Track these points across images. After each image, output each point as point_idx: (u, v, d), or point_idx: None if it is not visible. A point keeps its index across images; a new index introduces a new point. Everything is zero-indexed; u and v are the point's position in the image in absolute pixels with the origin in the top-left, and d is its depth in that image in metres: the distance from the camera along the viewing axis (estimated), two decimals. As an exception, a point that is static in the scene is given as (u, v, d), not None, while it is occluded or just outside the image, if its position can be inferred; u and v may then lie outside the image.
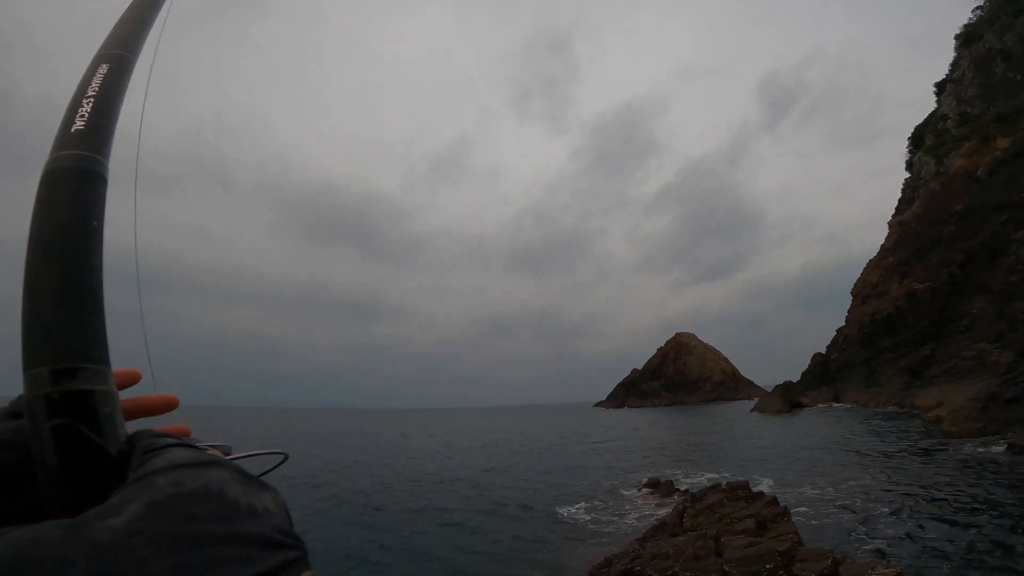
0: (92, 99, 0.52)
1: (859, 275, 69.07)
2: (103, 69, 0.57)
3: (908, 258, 57.99)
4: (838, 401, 54.91)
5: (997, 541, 9.49)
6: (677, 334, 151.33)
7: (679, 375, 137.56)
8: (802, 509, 12.91)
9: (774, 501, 10.85)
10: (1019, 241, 39.05)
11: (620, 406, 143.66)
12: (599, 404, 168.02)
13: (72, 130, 0.48)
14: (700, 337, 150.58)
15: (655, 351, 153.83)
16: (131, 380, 0.47)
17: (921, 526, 10.75)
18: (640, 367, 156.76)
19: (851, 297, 67.95)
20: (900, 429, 28.68)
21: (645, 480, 18.62)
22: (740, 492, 11.89)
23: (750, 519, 9.73)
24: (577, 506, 15.44)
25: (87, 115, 0.50)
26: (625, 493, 17.00)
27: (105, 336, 0.39)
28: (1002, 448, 18.35)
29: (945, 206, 54.79)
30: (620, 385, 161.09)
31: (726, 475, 18.33)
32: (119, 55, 0.60)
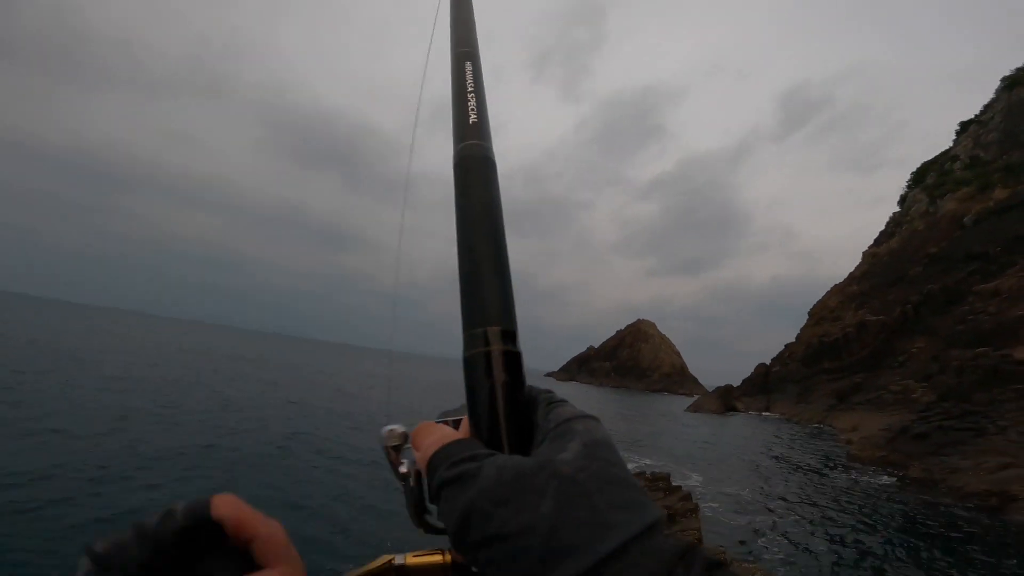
0: (473, 94, 0.65)
1: (820, 297, 71.96)
2: (468, 67, 0.71)
3: (870, 289, 60.55)
4: (768, 411, 58.20)
5: (864, 559, 10.87)
6: (638, 320, 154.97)
7: (631, 360, 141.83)
8: (714, 505, 14.19)
9: (688, 497, 11.83)
10: (979, 293, 41.09)
11: (570, 379, 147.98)
12: (550, 374, 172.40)
13: (470, 123, 0.60)
14: (659, 327, 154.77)
15: (614, 332, 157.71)
16: None
17: (807, 538, 12.08)
18: (597, 345, 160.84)
19: (807, 316, 71.00)
20: (815, 446, 30.99)
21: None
22: (660, 483, 12.81)
23: (664, 510, 10.76)
24: None
25: (475, 108, 0.63)
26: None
27: (512, 301, 0.45)
28: (894, 479, 20.20)
29: (921, 246, 56.51)
30: (574, 359, 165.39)
31: (652, 464, 19.76)
32: (471, 52, 0.76)
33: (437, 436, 0.39)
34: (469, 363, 0.41)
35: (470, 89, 0.67)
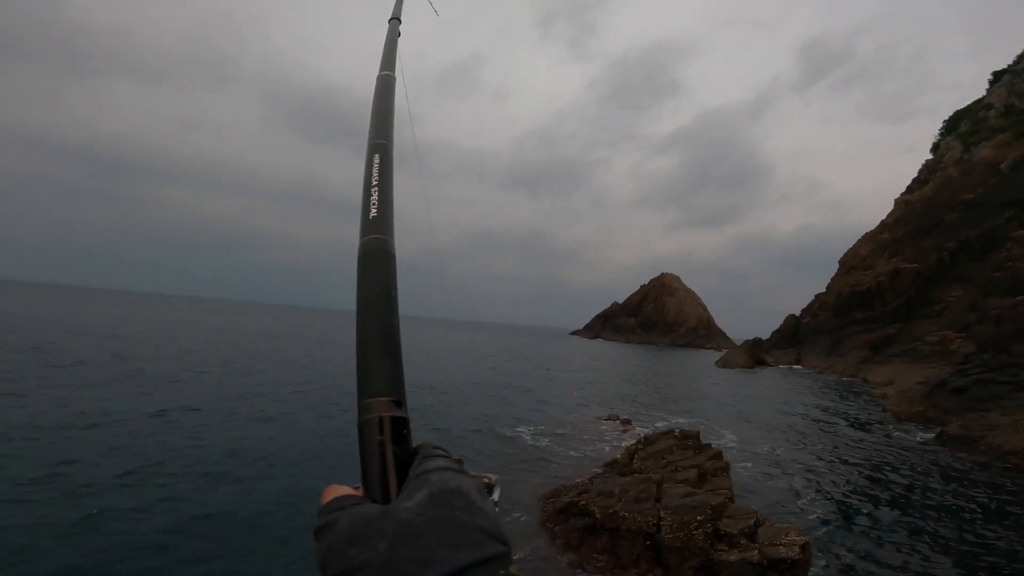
0: (376, 188, 0.73)
1: (851, 246, 69.79)
2: (377, 159, 0.78)
3: (904, 237, 58.42)
4: (799, 364, 57.59)
5: (902, 519, 10.78)
6: (662, 274, 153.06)
7: (656, 315, 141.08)
8: (747, 464, 14.20)
9: (718, 455, 11.80)
10: (1017, 240, 39.36)
11: (595, 337, 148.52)
12: (575, 332, 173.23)
13: (370, 217, 0.69)
14: (684, 281, 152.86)
15: (638, 287, 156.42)
16: None
17: (842, 498, 12.04)
18: (621, 301, 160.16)
19: (838, 266, 69.08)
20: (849, 401, 30.65)
21: (606, 415, 20.04)
22: (690, 441, 12.74)
23: (693, 469, 10.66)
24: (535, 433, 16.27)
25: (377, 203, 0.71)
26: (585, 425, 18.13)
27: (403, 377, 0.55)
28: (931, 435, 19.87)
29: (956, 193, 54.34)
30: (598, 316, 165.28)
31: (682, 421, 19.82)
32: (383, 144, 0.83)
33: (331, 495, 0.46)
34: (361, 428, 0.49)
35: (375, 183, 0.74)
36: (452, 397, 21.71)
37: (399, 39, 1.48)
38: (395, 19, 1.60)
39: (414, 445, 0.51)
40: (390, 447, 0.47)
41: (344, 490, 0.47)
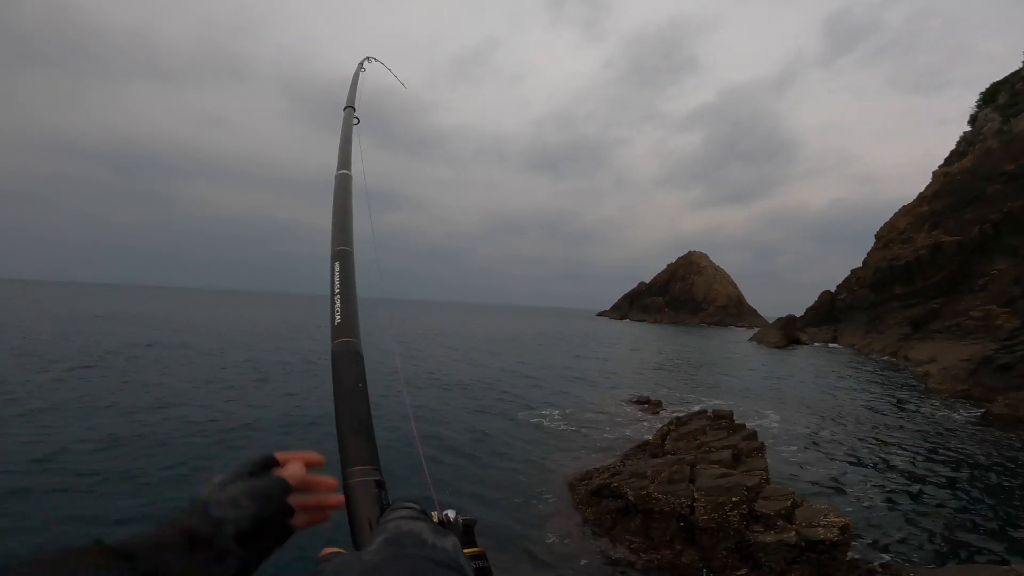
0: (340, 295, 0.82)
1: (888, 219, 67.20)
2: (338, 267, 0.86)
3: (943, 209, 55.96)
4: (835, 342, 56.10)
5: (946, 502, 10.48)
6: (689, 252, 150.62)
7: (685, 294, 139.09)
8: (784, 446, 13.93)
9: (753, 435, 11.60)
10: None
11: (623, 317, 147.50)
12: (602, 313, 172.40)
13: (336, 323, 0.79)
14: (712, 259, 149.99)
15: (664, 266, 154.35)
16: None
17: (882, 479, 11.75)
18: (648, 280, 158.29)
19: (874, 240, 66.66)
20: (889, 380, 29.78)
21: (635, 397, 19.93)
22: (723, 422, 12.47)
23: (727, 450, 10.52)
24: (564, 416, 16.21)
25: (340, 309, 0.80)
26: (614, 408, 18.03)
27: (376, 445, 0.68)
28: (978, 414, 19.17)
29: (997, 164, 51.80)
30: (625, 296, 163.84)
31: (716, 402, 19.57)
32: (345, 251, 0.90)
33: (323, 553, 0.56)
34: (346, 493, 0.57)
35: (337, 291, 0.83)
36: (479, 382, 21.93)
37: (355, 126, 1.42)
38: (349, 107, 1.51)
39: (390, 501, 0.57)
40: (368, 507, 0.56)
41: (335, 550, 0.58)
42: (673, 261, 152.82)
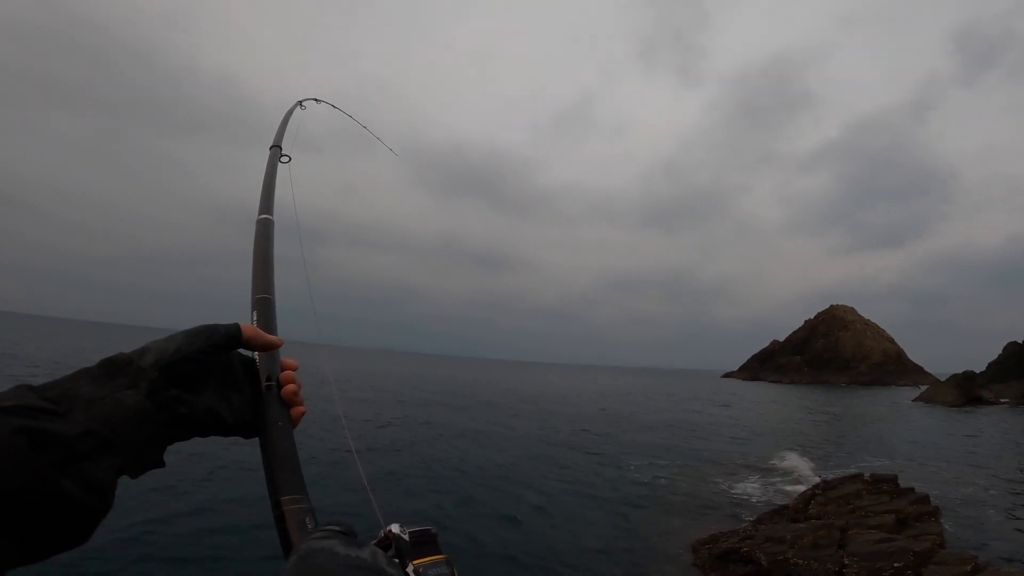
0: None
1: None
2: (255, 316, 0.79)
3: None
4: (1033, 400, 45.81)
5: None
6: (832, 306, 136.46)
7: (829, 351, 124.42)
8: (967, 512, 11.38)
9: (924, 499, 9.66)
10: None
11: (753, 379, 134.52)
12: (729, 374, 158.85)
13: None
14: (860, 312, 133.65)
15: (801, 323, 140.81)
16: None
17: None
18: (781, 339, 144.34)
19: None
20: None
21: (771, 460, 17.58)
22: (884, 486, 10.64)
23: (890, 515, 8.85)
24: (687, 475, 14.94)
25: (258, 355, 0.75)
26: (746, 470, 16.14)
27: (302, 476, 0.65)
28: None
29: None
30: (755, 356, 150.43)
31: (877, 463, 16.52)
32: (266, 299, 0.82)
33: None
34: (276, 522, 0.59)
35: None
36: (613, 442, 20.87)
37: (281, 166, 1.23)
38: (276, 147, 1.32)
39: (319, 526, 0.58)
40: (296, 533, 0.57)
41: None
42: (812, 317, 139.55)
